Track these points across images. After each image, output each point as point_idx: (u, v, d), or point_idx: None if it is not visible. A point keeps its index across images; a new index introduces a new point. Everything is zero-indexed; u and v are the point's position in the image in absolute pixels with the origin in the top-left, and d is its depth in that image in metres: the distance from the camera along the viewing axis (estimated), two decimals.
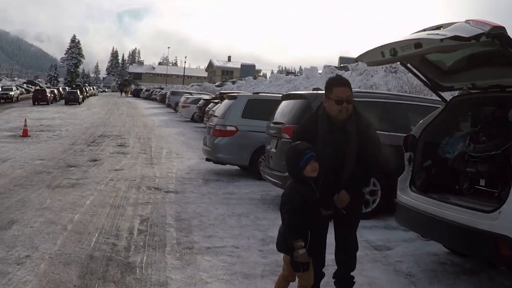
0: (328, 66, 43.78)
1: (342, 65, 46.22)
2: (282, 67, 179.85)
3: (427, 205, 5.28)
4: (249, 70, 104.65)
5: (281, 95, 12.25)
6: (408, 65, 5.65)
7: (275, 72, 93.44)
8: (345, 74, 38.36)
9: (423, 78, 5.88)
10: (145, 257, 5.64)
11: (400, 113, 8.95)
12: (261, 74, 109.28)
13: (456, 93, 6.03)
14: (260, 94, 13.24)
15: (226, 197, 9.58)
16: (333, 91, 4.37)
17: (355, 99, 8.78)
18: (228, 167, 12.72)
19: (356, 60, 5.56)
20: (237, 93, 14.84)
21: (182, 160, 14.50)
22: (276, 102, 10.44)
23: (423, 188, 5.62)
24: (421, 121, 6.13)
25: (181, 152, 16.42)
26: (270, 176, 8.94)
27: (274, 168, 8.91)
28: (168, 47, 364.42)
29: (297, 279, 4.18)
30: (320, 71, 44.66)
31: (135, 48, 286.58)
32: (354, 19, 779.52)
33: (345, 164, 4.36)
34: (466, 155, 5.52)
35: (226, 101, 13.06)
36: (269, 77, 61.30)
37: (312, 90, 10.63)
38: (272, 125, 9.34)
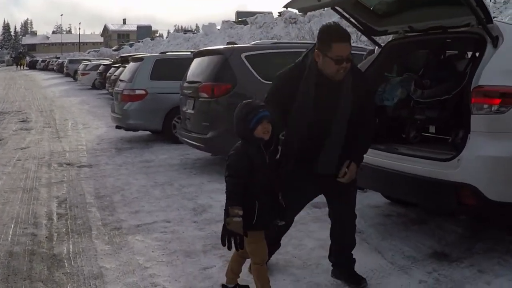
0: (227, 21, 43.11)
1: (240, 19, 45.56)
2: (178, 26, 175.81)
3: (374, 158, 4.89)
4: (145, 32, 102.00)
5: (190, 53, 11.63)
6: (339, 9, 5.14)
7: (172, 31, 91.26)
8: (245, 29, 37.90)
9: (355, 23, 5.41)
10: (71, 246, 4.94)
11: None
12: (157, 34, 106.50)
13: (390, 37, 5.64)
14: (167, 53, 12.43)
15: (144, 165, 8.91)
16: (332, 47, 3.52)
17: (269, 51, 8.53)
18: (139, 133, 12.03)
19: (285, 6, 4.90)
20: (138, 55, 13.90)
21: (90, 130, 13.60)
22: (186, 61, 9.94)
23: None
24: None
25: (87, 121, 15.44)
26: (189, 138, 8.36)
27: (192, 130, 8.32)
28: (61, 15, 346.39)
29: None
30: (218, 27, 43.92)
31: (27, 19, 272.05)
32: None
33: (333, 125, 3.69)
34: (412, 101, 5.16)
35: (131, 64, 12.20)
36: (167, 37, 59.85)
37: (227, 44, 10.00)
38: (186, 84, 8.68)
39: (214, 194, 6.80)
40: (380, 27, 5.35)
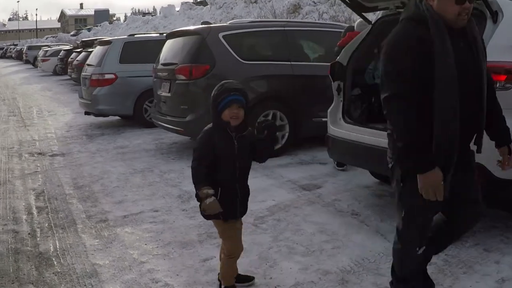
0: (186, 2, 42.39)
1: (199, 0, 44.76)
2: (135, 9, 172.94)
3: (371, 137, 4.68)
4: (103, 16, 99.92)
5: (159, 35, 11.22)
6: None
7: (129, 15, 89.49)
8: (204, 9, 37.28)
9: None
10: (57, 242, 4.56)
11: (299, 40, 8.28)
12: (115, 18, 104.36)
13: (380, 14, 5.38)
14: (136, 36, 11.93)
15: (119, 152, 8.52)
16: None
17: (247, 30, 8.20)
18: (109, 118, 11.63)
19: None
20: (104, 39, 13.36)
21: (57, 117, 13.01)
22: (156, 43, 9.65)
23: (361, 118, 5.01)
24: (346, 47, 5.45)
25: (52, 108, 14.78)
26: (165, 122, 8.02)
27: (169, 113, 7.97)
28: (18, 1, 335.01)
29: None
30: (177, 9, 43.17)
31: None
32: None
33: (482, 96, 2.80)
34: None
35: (99, 48, 11.67)
36: (125, 20, 58.70)
37: (201, 24, 9.64)
38: (161, 67, 8.29)
39: None
40: (370, 2, 5.08)
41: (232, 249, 3.42)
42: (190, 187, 6.21)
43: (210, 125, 3.32)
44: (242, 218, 3.51)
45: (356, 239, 4.46)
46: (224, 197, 3.22)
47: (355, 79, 5.34)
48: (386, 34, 2.89)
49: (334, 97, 5.40)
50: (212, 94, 3.28)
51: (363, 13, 5.32)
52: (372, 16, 6.06)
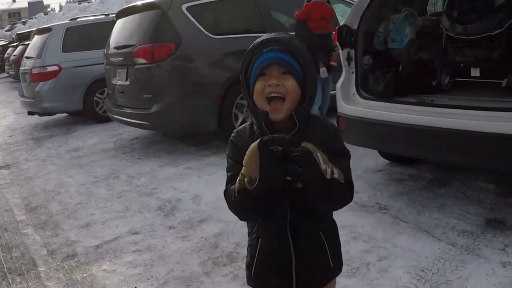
0: None
1: None
2: None
3: (403, 115, 3.67)
4: (37, 7, 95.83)
5: (105, 16, 9.96)
6: None
7: (64, 4, 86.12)
8: None
9: None
10: None
11: (272, 9, 7.22)
12: (50, 9, 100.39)
13: None
14: (79, 20, 10.54)
15: (73, 156, 7.29)
16: None
17: (214, 0, 7.00)
18: (56, 116, 10.42)
19: None
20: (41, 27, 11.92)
21: None
22: (103, 25, 8.89)
23: (386, 92, 3.99)
24: (353, 8, 4.41)
25: None
26: (123, 116, 6.87)
27: (127, 105, 6.80)
28: None
29: None
30: None
31: None
32: None
33: None
34: (443, 40, 3.97)
35: (37, 38, 10.22)
36: (61, 10, 56.39)
37: None
38: (113, 51, 7.07)
39: (175, 183, 5.41)
40: None
41: None
42: (169, 194, 5.14)
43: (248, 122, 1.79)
44: None
45: (401, 243, 3.53)
46: (265, 259, 1.74)
47: (369, 45, 4.33)
48: None
49: (343, 69, 4.37)
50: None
51: None
52: None
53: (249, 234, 1.78)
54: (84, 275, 3.53)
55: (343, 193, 1.59)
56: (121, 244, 3.98)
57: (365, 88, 4.20)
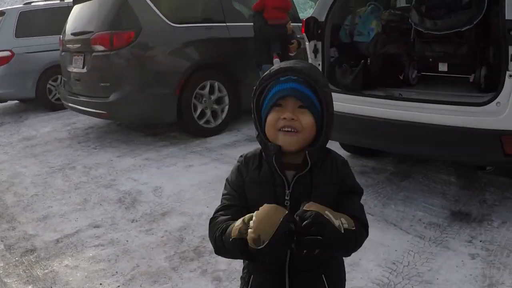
0: None
1: None
2: None
3: (373, 108, 3.69)
4: None
5: (60, 1, 9.67)
6: None
7: None
8: None
9: None
10: None
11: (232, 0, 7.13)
12: None
13: None
14: (33, 3, 10.14)
15: (26, 145, 7.03)
16: None
17: None
18: (7, 103, 10.14)
19: None
20: None
21: None
22: (59, 10, 8.70)
23: (355, 85, 3.97)
24: (320, 0, 4.33)
25: None
26: (79, 104, 6.66)
27: (83, 93, 6.60)
28: None
29: None
30: None
31: None
32: None
33: None
34: (412, 34, 3.98)
35: None
36: None
37: None
38: (70, 37, 6.82)
39: (134, 174, 5.28)
40: None
41: None
42: (129, 186, 4.98)
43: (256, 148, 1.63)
44: None
45: (369, 236, 3.48)
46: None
47: (336, 37, 4.31)
48: None
49: (309, 61, 4.32)
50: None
51: None
52: None
53: (243, 267, 1.65)
54: (45, 271, 3.37)
55: (358, 238, 1.48)
56: (82, 238, 3.83)
57: (332, 81, 4.15)
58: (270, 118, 1.49)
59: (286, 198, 1.48)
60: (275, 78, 1.50)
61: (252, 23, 6.28)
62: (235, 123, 6.87)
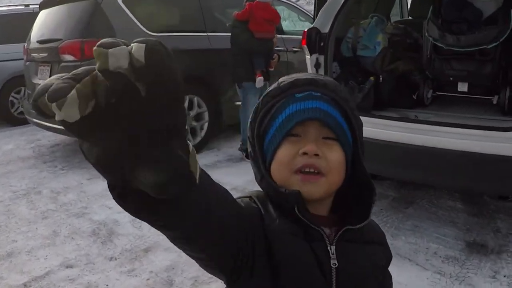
0: None
1: None
2: None
3: (387, 131, 3.30)
4: None
5: (24, 7, 9.30)
6: None
7: None
8: None
9: None
10: None
11: (214, 6, 6.72)
12: None
13: None
14: None
15: None
16: None
17: None
18: None
19: None
20: None
21: None
22: (22, 16, 8.33)
23: (365, 105, 3.59)
24: (324, 9, 3.92)
25: None
26: (42, 119, 6.09)
27: None
28: None
29: None
30: None
31: None
32: None
33: None
34: (428, 51, 3.63)
35: None
36: None
37: None
38: (36, 46, 6.33)
39: (108, 200, 4.76)
40: None
41: None
42: (103, 215, 4.43)
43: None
44: None
45: None
46: None
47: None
48: None
49: None
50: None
51: None
52: None
53: None
54: None
55: None
56: (53, 281, 3.33)
57: None
58: (283, 152, 0.98)
59: (331, 269, 0.98)
60: (288, 94, 1.00)
61: (230, 34, 5.83)
62: (214, 141, 6.46)
